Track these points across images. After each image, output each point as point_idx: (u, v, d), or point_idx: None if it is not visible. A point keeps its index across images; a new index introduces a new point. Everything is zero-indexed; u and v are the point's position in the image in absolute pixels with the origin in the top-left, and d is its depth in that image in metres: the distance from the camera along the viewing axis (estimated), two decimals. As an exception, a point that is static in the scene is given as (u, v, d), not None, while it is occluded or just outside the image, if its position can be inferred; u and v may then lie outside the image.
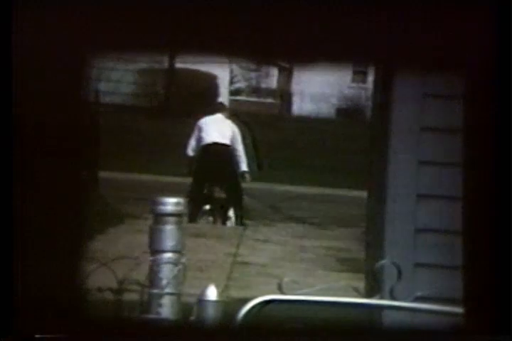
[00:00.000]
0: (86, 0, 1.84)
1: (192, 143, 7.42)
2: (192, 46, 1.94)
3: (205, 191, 7.29)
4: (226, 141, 7.28)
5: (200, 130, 7.38)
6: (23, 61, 1.82)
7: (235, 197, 7.37)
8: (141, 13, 1.84)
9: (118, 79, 14.00)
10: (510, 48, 1.95)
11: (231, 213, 7.48)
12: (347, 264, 5.84)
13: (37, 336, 1.85)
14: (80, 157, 1.91)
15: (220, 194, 7.33)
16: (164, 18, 1.86)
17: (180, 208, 2.70)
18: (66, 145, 1.88)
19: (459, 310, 2.28)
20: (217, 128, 7.33)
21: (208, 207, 7.50)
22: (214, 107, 7.90)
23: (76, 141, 1.89)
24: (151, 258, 2.64)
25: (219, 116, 7.51)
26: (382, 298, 2.45)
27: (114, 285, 2.44)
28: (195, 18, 1.88)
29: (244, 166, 7.44)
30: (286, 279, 2.37)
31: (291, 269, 5.67)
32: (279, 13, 1.89)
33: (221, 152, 7.22)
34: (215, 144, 7.24)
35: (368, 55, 1.98)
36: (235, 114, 7.77)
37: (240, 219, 7.54)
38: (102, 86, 11.94)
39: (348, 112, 15.62)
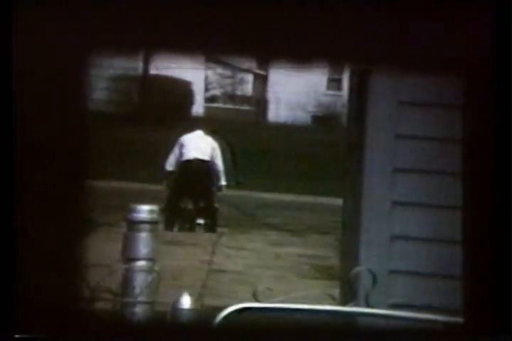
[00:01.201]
0: (86, 0, 1.83)
1: (171, 158, 7.77)
2: (170, 47, 1.94)
3: (181, 202, 7.75)
4: (206, 157, 7.68)
5: (181, 146, 7.75)
6: (23, 61, 1.80)
7: (209, 209, 7.79)
8: (147, 12, 1.83)
9: (92, 85, 13.92)
10: (510, 48, 1.96)
11: (201, 221, 7.77)
12: (322, 271, 5.84)
13: (37, 336, 1.82)
14: (81, 158, 1.89)
15: (195, 204, 7.73)
16: (156, 18, 1.85)
17: (154, 216, 2.68)
18: (67, 145, 1.87)
19: (433, 317, 2.29)
20: (198, 145, 7.72)
21: (182, 216, 7.80)
22: (194, 124, 8.40)
23: (77, 141, 1.87)
24: (124, 266, 2.62)
25: (199, 133, 7.88)
26: (357, 305, 2.45)
27: (87, 293, 2.42)
28: (175, 19, 1.87)
29: (222, 180, 7.88)
30: (260, 287, 2.37)
31: (266, 277, 5.66)
32: (258, 15, 1.89)
33: (201, 168, 7.61)
34: (196, 160, 7.63)
35: (366, 56, 1.98)
36: (214, 131, 8.05)
37: (211, 228, 7.80)
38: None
39: (323, 119, 15.70)
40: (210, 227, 7.80)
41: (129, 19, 1.85)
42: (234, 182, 8.22)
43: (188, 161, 7.60)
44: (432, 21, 1.94)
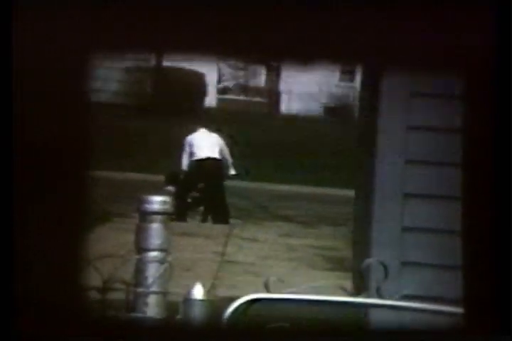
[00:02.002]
0: (86, 0, 1.83)
1: (185, 158, 8.01)
2: (181, 46, 1.93)
3: (192, 196, 8.00)
4: (217, 155, 7.94)
5: (190, 146, 7.97)
6: (23, 61, 1.80)
7: (222, 204, 8.03)
8: (145, 12, 1.82)
9: (105, 77, 13.95)
10: (510, 48, 1.95)
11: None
12: (334, 263, 5.84)
13: (36, 336, 1.83)
14: (82, 155, 1.89)
15: (207, 200, 8.00)
16: (156, 17, 1.85)
17: (166, 207, 2.69)
18: (67, 145, 1.87)
19: (445, 308, 2.28)
20: (208, 143, 7.98)
21: (194, 207, 8.01)
22: (198, 122, 8.57)
23: (77, 141, 1.87)
24: (137, 256, 2.63)
25: (204, 131, 8.09)
26: (368, 296, 2.45)
27: (100, 284, 2.43)
28: (184, 18, 1.87)
29: (233, 171, 8.22)
30: (272, 278, 2.37)
31: (278, 268, 5.67)
32: (268, 13, 1.88)
33: (213, 166, 7.90)
34: (208, 159, 7.88)
35: (367, 56, 1.97)
36: (219, 129, 8.22)
37: (225, 221, 7.93)
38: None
39: (335, 111, 15.64)
40: (224, 220, 7.94)
41: (130, 18, 1.85)
42: (243, 172, 8.36)
43: (201, 160, 7.82)
44: (432, 21, 1.93)
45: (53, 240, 1.86)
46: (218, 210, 7.97)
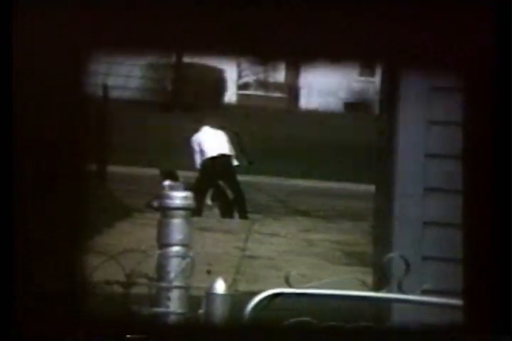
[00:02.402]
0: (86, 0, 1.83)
1: (197, 158, 8.06)
2: (197, 46, 1.93)
3: (209, 193, 8.10)
4: (227, 151, 8.02)
5: (199, 145, 8.02)
6: (23, 61, 1.80)
7: (240, 197, 8.05)
8: (143, 13, 1.83)
9: (127, 73, 13.99)
10: (510, 48, 1.94)
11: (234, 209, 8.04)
12: (354, 258, 5.83)
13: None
14: (82, 154, 1.90)
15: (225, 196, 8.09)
16: (167, 16, 1.84)
17: (188, 202, 2.70)
18: (67, 144, 1.87)
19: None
20: (215, 141, 8.04)
21: (210, 202, 8.09)
22: (204, 120, 8.42)
23: (77, 140, 1.87)
24: (159, 251, 2.64)
25: (209, 129, 8.14)
26: (389, 291, 2.44)
27: (122, 278, 2.44)
28: (200, 17, 1.86)
29: (235, 162, 8.28)
30: (293, 272, 2.37)
31: (299, 263, 5.67)
32: (285, 12, 1.88)
33: (226, 161, 7.97)
34: (221, 156, 7.93)
35: (368, 55, 1.97)
36: (224, 127, 8.28)
37: (244, 215, 8.04)
38: (111, 80, 11.95)
39: (355, 106, 15.57)
40: (243, 215, 7.97)
41: (130, 18, 1.85)
42: (245, 163, 8.39)
43: (214, 158, 7.88)
44: (432, 21, 1.92)
45: (53, 240, 1.87)
46: (238, 205, 8.01)
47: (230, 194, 8.09)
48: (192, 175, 8.16)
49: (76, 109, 1.89)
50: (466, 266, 2.00)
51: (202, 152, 7.96)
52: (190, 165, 8.23)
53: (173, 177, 8.32)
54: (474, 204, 1.98)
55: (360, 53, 1.96)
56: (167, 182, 8.17)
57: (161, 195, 2.76)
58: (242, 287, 4.53)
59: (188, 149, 8.17)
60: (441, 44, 1.95)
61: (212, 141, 7.97)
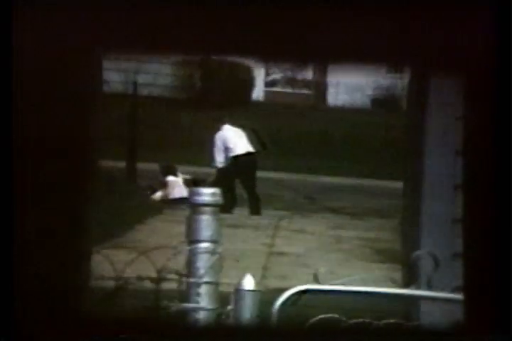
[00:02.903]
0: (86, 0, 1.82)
1: (220, 155, 8.05)
2: (224, 48, 1.93)
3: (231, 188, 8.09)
4: (252, 149, 8.08)
5: (225, 142, 8.05)
6: (23, 61, 1.80)
7: (254, 192, 8.12)
8: (142, 12, 1.82)
9: (156, 71, 14.06)
10: (510, 48, 1.91)
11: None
12: (383, 255, 5.80)
13: (37, 336, 1.83)
14: (81, 154, 1.89)
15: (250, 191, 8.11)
16: (155, 16, 1.84)
17: (216, 198, 2.70)
18: (67, 147, 1.87)
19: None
20: (240, 138, 8.10)
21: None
22: (227, 117, 8.45)
23: (77, 141, 1.87)
24: (188, 247, 2.66)
25: (230, 127, 8.18)
26: (418, 288, 2.42)
27: (153, 274, 2.46)
28: (221, 19, 1.86)
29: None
30: (321, 269, 2.37)
31: (327, 260, 5.65)
32: (312, 14, 1.87)
33: (252, 159, 8.05)
34: (247, 154, 8.00)
35: (376, 56, 1.95)
36: (243, 125, 8.30)
37: (257, 211, 7.94)
38: (141, 78, 12.02)
39: (383, 102, 15.47)
40: (257, 212, 8.02)
41: (131, 18, 1.84)
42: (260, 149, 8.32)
43: (241, 155, 7.93)
44: (432, 21, 1.90)
45: (54, 240, 1.87)
46: (253, 203, 8.06)
47: (249, 191, 8.05)
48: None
49: (77, 108, 1.89)
50: (466, 266, 1.98)
51: (227, 149, 7.98)
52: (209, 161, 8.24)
53: (173, 173, 8.35)
54: (475, 203, 1.96)
55: (365, 53, 1.95)
56: (170, 178, 8.20)
57: (190, 192, 2.77)
58: (270, 283, 4.53)
59: (209, 146, 8.18)
60: (440, 45, 1.94)
61: (237, 139, 8.00)
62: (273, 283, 4.56)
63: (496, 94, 1.92)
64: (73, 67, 1.85)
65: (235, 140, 8.00)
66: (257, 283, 2.61)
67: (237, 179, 8.00)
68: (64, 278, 1.86)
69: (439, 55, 1.93)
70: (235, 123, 8.30)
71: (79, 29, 1.83)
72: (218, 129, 8.12)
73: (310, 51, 1.94)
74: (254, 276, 2.62)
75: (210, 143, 8.11)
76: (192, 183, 8.07)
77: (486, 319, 1.92)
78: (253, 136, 8.31)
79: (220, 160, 8.02)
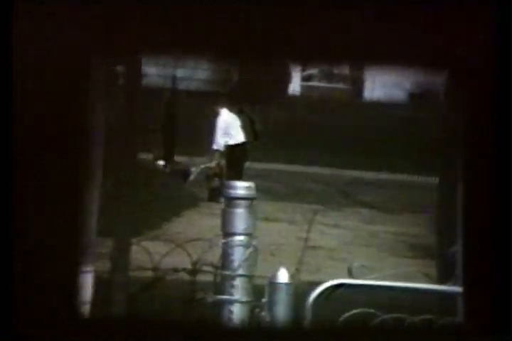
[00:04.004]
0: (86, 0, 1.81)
1: (220, 138, 7.82)
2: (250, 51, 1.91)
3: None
4: (244, 139, 7.86)
5: (227, 128, 7.83)
6: (23, 61, 1.80)
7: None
8: (141, 13, 1.81)
9: (194, 66, 14.11)
10: (511, 48, 1.87)
11: None
12: (418, 250, 5.74)
13: (35, 336, 1.83)
14: (78, 157, 1.89)
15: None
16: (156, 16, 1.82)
17: (251, 192, 2.70)
18: (64, 145, 1.86)
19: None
20: (238, 126, 7.90)
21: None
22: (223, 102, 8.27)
23: (76, 141, 1.87)
24: (223, 240, 2.66)
25: (229, 113, 8.01)
26: (455, 284, 2.39)
27: (189, 266, 2.47)
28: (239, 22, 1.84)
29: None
30: (356, 264, 2.35)
31: (361, 254, 5.61)
32: (349, 12, 1.85)
33: (244, 149, 7.84)
34: (244, 143, 7.83)
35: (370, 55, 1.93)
36: (241, 111, 8.21)
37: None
38: (179, 72, 12.05)
39: (421, 97, 15.29)
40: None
41: (130, 18, 1.82)
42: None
43: (239, 144, 7.77)
44: (432, 21, 1.86)
45: (54, 240, 1.87)
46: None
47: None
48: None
49: (76, 109, 1.88)
50: (466, 267, 1.95)
51: (227, 135, 7.72)
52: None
53: (171, 160, 8.21)
54: (475, 203, 1.93)
55: (359, 53, 1.93)
56: (160, 162, 8.08)
57: (225, 185, 2.77)
58: (304, 277, 4.52)
59: (210, 129, 7.82)
60: (440, 45, 1.90)
61: (237, 127, 7.80)
62: (307, 277, 4.55)
63: (495, 95, 1.89)
64: (73, 67, 1.85)
65: (236, 127, 7.79)
66: (291, 277, 2.60)
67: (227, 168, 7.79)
68: (64, 279, 1.87)
69: (439, 55, 1.91)
70: (232, 110, 8.18)
71: (78, 29, 1.83)
72: (218, 113, 7.91)
73: (345, 51, 1.92)
74: (288, 270, 2.61)
75: (213, 126, 7.80)
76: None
77: (486, 319, 1.89)
78: (248, 125, 8.18)
79: (218, 143, 7.79)
